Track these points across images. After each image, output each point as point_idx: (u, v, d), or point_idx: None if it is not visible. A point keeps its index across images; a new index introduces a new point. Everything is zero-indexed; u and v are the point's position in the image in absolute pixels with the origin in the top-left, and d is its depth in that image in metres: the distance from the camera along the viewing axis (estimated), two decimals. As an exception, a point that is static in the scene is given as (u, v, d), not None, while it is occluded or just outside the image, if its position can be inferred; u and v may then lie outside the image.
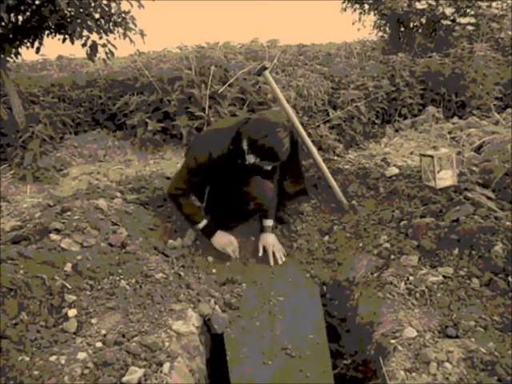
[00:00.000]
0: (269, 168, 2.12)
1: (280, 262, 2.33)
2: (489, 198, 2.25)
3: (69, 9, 3.29)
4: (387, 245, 2.15)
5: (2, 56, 3.46)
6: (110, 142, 3.98)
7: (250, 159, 2.05)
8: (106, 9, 3.54)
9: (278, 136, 1.95)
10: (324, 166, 2.63)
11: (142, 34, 3.82)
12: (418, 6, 5.80)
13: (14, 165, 3.45)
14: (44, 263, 1.81)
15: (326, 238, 2.49)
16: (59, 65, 6.26)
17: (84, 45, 3.57)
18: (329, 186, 2.66)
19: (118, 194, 2.59)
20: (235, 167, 2.13)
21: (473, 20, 5.71)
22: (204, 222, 2.28)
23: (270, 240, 2.36)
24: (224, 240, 2.31)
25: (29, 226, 2.13)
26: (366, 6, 7.05)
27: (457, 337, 1.57)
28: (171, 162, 3.65)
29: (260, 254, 2.35)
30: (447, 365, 1.43)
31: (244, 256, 2.39)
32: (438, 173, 2.35)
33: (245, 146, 2.04)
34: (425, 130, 4.34)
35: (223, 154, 2.10)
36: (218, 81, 3.96)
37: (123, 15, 3.68)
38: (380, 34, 7.42)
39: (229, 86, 3.72)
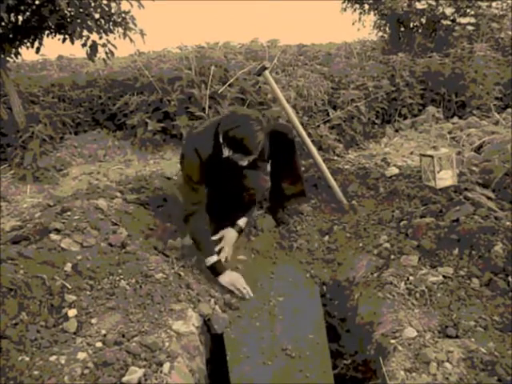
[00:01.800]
0: (244, 164, 2.08)
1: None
2: (489, 198, 2.25)
3: (69, 9, 3.30)
4: (387, 245, 2.15)
5: (2, 56, 3.46)
6: (110, 142, 3.98)
7: (225, 153, 2.05)
8: (106, 9, 3.54)
9: (250, 127, 1.94)
10: (324, 166, 2.63)
11: (141, 33, 3.82)
12: (418, 5, 5.80)
13: (14, 165, 3.45)
14: (44, 263, 1.81)
15: (326, 237, 2.48)
16: (59, 65, 6.26)
17: (84, 45, 3.57)
18: (329, 186, 2.66)
19: (118, 194, 2.59)
20: (224, 164, 2.13)
21: (473, 20, 5.71)
22: (215, 258, 2.13)
23: (227, 237, 2.31)
24: (233, 277, 2.14)
25: (29, 226, 2.13)
26: (366, 6, 7.05)
27: (457, 337, 1.57)
28: (171, 162, 3.65)
29: (215, 237, 2.27)
30: (447, 365, 1.43)
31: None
32: (437, 173, 2.35)
33: (221, 139, 2.04)
34: (425, 130, 4.34)
35: (211, 153, 2.10)
36: (217, 81, 3.96)
37: (123, 15, 3.68)
38: (380, 34, 7.42)
39: (229, 85, 3.72)
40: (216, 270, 2.12)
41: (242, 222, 2.37)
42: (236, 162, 2.08)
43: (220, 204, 2.33)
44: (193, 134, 2.29)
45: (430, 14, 5.95)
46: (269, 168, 2.46)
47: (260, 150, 2.04)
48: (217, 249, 2.22)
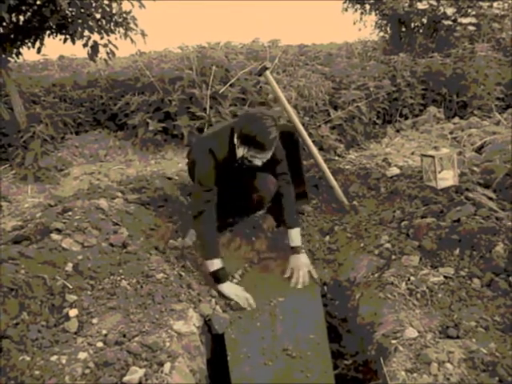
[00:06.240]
0: (259, 164, 2.08)
1: (299, 286, 2.14)
2: (490, 199, 2.25)
3: (70, 9, 3.30)
4: (388, 245, 2.14)
5: (4, 56, 3.46)
6: (111, 142, 3.99)
7: (240, 153, 2.07)
8: (107, 9, 3.55)
9: (263, 123, 1.98)
10: (325, 167, 2.63)
11: (143, 34, 3.83)
12: (420, 6, 5.81)
13: (15, 165, 3.45)
14: (45, 263, 1.81)
15: (327, 238, 2.48)
16: (60, 65, 6.28)
17: (85, 45, 3.58)
18: (330, 187, 2.66)
19: (119, 194, 2.60)
20: (236, 167, 2.14)
21: (474, 20, 5.71)
22: (219, 264, 2.04)
23: (300, 261, 2.20)
24: (235, 289, 2.07)
25: (30, 226, 2.13)
26: (367, 6, 7.06)
27: (458, 337, 1.56)
28: (172, 162, 3.66)
29: (286, 275, 2.20)
30: (448, 365, 1.43)
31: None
32: (439, 173, 2.35)
33: (235, 139, 2.07)
34: (426, 130, 4.34)
35: (225, 155, 2.11)
36: (219, 81, 3.97)
37: (124, 15, 3.69)
38: (381, 34, 7.43)
39: (230, 86, 3.72)
40: (219, 277, 2.04)
41: (297, 240, 2.23)
42: (248, 165, 2.09)
43: (226, 205, 2.33)
44: (204, 136, 2.32)
45: (431, 14, 5.96)
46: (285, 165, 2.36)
47: (274, 147, 2.06)
48: (294, 281, 2.16)
